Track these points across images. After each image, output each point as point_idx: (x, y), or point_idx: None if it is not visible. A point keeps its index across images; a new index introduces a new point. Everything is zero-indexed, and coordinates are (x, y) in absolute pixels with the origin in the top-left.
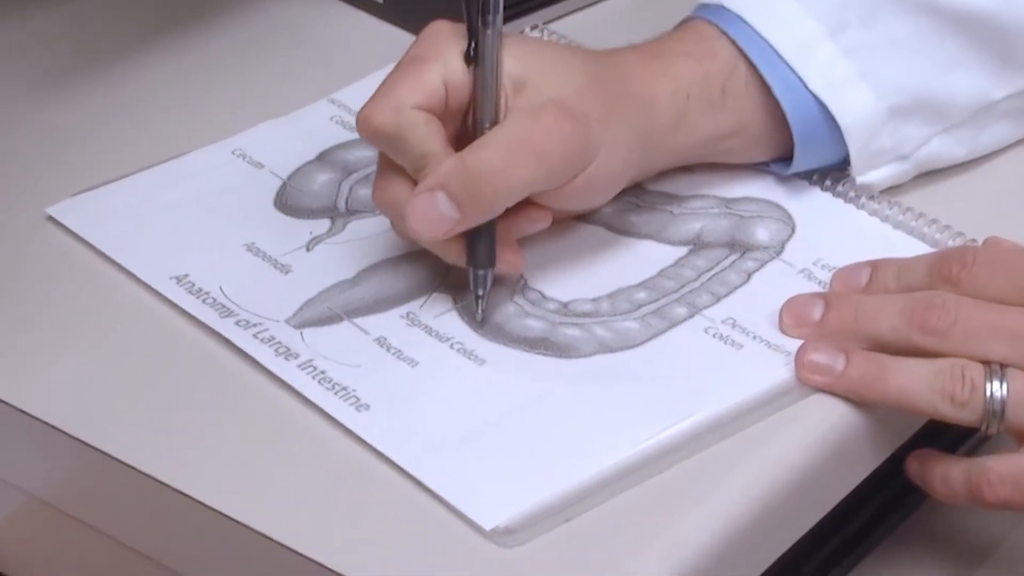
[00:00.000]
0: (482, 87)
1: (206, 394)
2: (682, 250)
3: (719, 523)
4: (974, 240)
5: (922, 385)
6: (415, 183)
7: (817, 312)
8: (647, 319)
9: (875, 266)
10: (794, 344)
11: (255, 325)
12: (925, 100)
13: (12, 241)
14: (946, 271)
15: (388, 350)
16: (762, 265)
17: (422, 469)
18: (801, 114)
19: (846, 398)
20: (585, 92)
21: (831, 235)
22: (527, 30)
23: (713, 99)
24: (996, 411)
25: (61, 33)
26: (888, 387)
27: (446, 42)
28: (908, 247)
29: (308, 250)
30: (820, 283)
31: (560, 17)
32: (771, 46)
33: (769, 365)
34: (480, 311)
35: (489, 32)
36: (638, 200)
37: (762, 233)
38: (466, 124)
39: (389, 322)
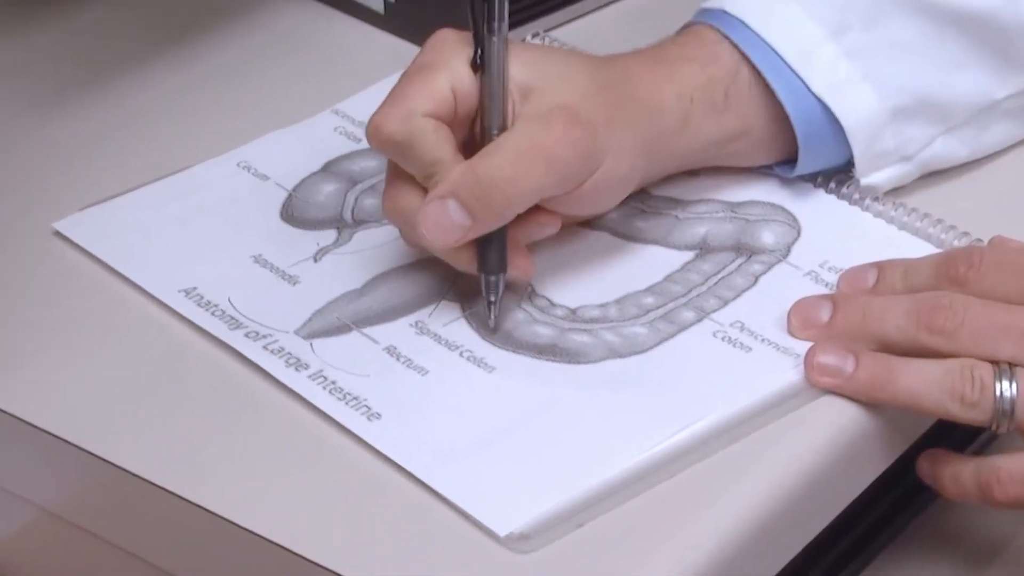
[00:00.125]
0: (489, 94)
1: (216, 405)
2: (688, 255)
3: (731, 526)
4: (979, 240)
5: (931, 386)
6: (424, 191)
7: (825, 314)
8: (655, 324)
9: (881, 267)
10: (802, 346)
11: (265, 336)
12: (928, 101)
13: (20, 256)
14: (953, 271)
15: (398, 359)
16: (768, 268)
17: (435, 477)
18: (804, 116)
19: (855, 400)
20: (592, 97)
21: (837, 237)
22: (528, 38)
23: (716, 103)
24: (1006, 410)
25: (65, 48)
26: (897, 388)
27: (453, 50)
28: (913, 248)
29: (315, 261)
30: (827, 285)
31: (561, 24)
32: (773, 49)
33: (778, 368)
34: (493, 317)
35: (495, 39)
36: (643, 205)
37: (768, 236)
38: (474, 131)
39: (398, 331)
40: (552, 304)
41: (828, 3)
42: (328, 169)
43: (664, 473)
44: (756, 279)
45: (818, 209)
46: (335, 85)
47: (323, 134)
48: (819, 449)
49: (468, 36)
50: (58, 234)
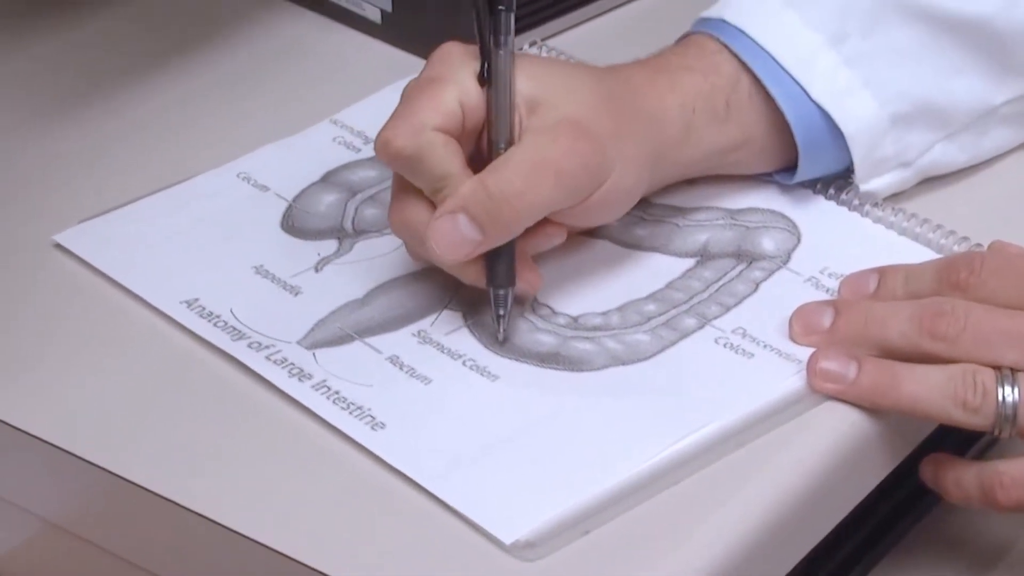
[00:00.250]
0: (496, 108)
1: (219, 416)
2: (689, 262)
3: (736, 532)
4: (979, 245)
5: (934, 391)
6: (432, 205)
7: (827, 320)
8: (657, 331)
9: (883, 273)
10: (805, 352)
11: (267, 347)
12: (927, 107)
13: (21, 268)
14: (954, 277)
15: (401, 368)
16: (769, 275)
17: (440, 485)
18: (805, 124)
19: (858, 405)
20: (598, 110)
21: (837, 243)
22: (526, 46)
23: (718, 112)
24: (1008, 416)
25: (65, 60)
26: (900, 394)
27: (459, 63)
28: (914, 253)
29: (317, 271)
30: (828, 291)
31: (558, 33)
32: (773, 58)
33: (780, 374)
34: (502, 330)
35: (502, 53)
36: (644, 213)
37: (768, 243)
38: (480, 145)
39: (401, 340)
40: (554, 312)
41: (827, 11)
42: (328, 179)
43: (668, 480)
44: (757, 285)
45: (818, 215)
46: (333, 95)
47: (322, 144)
48: (822, 454)
49: (474, 49)
50: (58, 246)
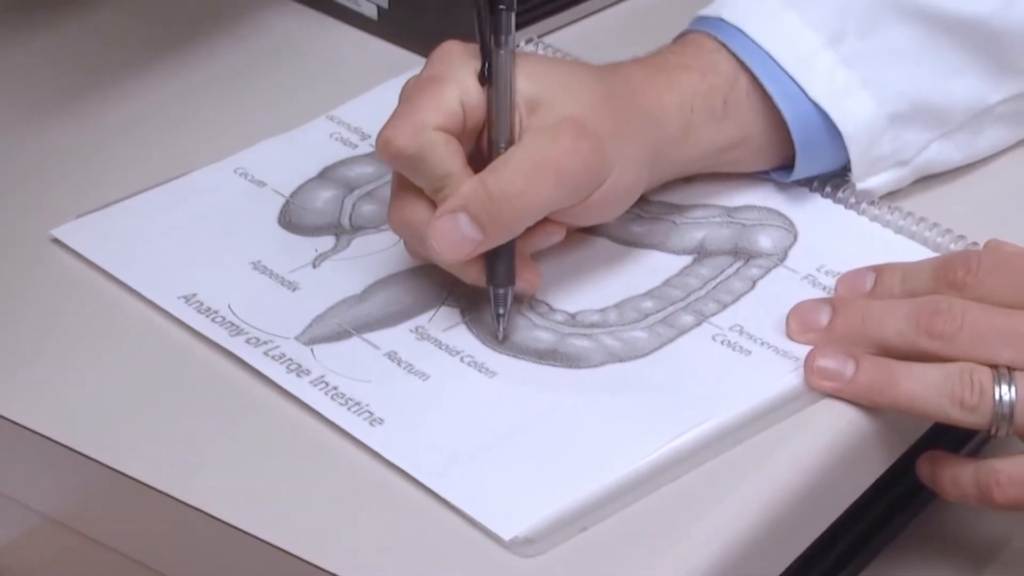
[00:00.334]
0: (497, 107)
1: (216, 411)
2: (686, 259)
3: (733, 529)
4: (975, 243)
5: (931, 390)
6: (432, 204)
7: (824, 317)
8: (655, 328)
9: (879, 271)
10: (802, 350)
11: (265, 343)
12: (924, 106)
13: (18, 263)
14: (951, 276)
15: (399, 364)
16: (766, 272)
17: (439, 482)
18: (802, 123)
19: (855, 403)
20: (598, 109)
21: (833, 241)
22: (523, 44)
23: (716, 111)
24: (1005, 414)
25: (63, 54)
26: (897, 392)
27: (460, 62)
28: (910, 251)
29: (314, 267)
30: (824, 289)
31: (555, 30)
32: (771, 57)
33: (778, 371)
34: (502, 329)
35: (502, 52)
36: (641, 211)
37: (765, 240)
38: (480, 144)
39: (398, 337)
40: (552, 309)
41: (825, 11)
42: (325, 175)
43: (666, 476)
44: (754, 283)
45: (814, 213)
46: (330, 91)
47: (319, 140)
48: (819, 452)
49: (474, 48)
50: (56, 241)
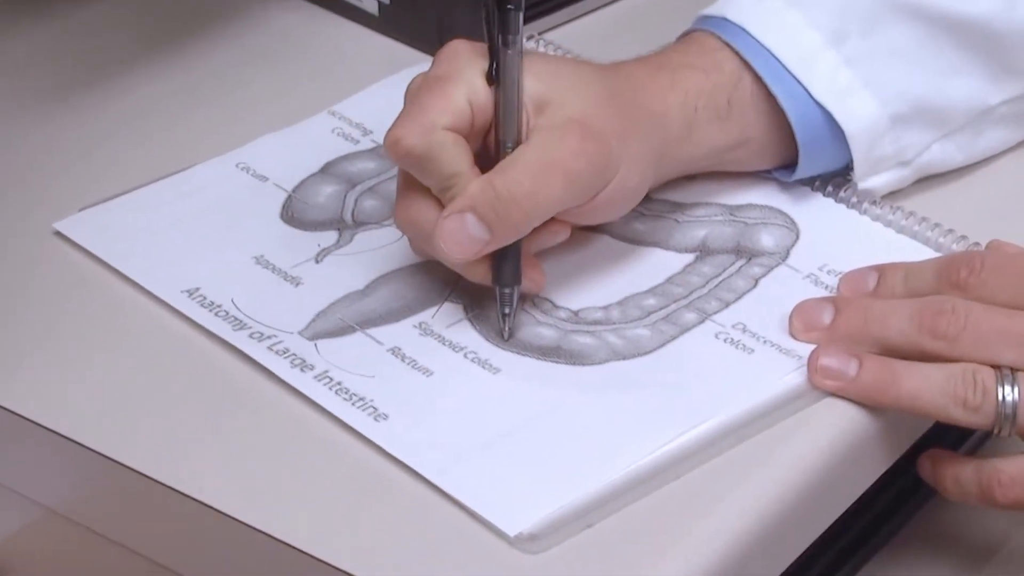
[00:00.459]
0: (505, 107)
1: (219, 405)
2: (688, 257)
3: (737, 526)
4: (977, 243)
5: (934, 390)
6: (438, 203)
7: (827, 316)
8: (658, 325)
9: (882, 271)
10: (804, 348)
11: (269, 337)
12: (926, 107)
13: (21, 257)
14: (954, 276)
15: (403, 360)
16: (768, 271)
17: (444, 478)
18: (805, 123)
19: (857, 402)
20: (604, 109)
21: (835, 240)
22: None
23: (720, 111)
24: (1008, 415)
25: (65, 48)
26: (900, 392)
27: (467, 61)
28: (912, 251)
29: (317, 262)
30: (827, 288)
31: (555, 27)
32: (775, 57)
33: (780, 369)
34: (507, 328)
35: (510, 52)
36: (643, 209)
37: (767, 239)
38: (487, 143)
39: (402, 332)
40: (555, 306)
41: (828, 11)
42: (327, 170)
43: (670, 474)
44: (756, 281)
45: (816, 212)
46: (330, 87)
47: (321, 135)
48: (823, 450)
49: (481, 47)
50: (58, 234)
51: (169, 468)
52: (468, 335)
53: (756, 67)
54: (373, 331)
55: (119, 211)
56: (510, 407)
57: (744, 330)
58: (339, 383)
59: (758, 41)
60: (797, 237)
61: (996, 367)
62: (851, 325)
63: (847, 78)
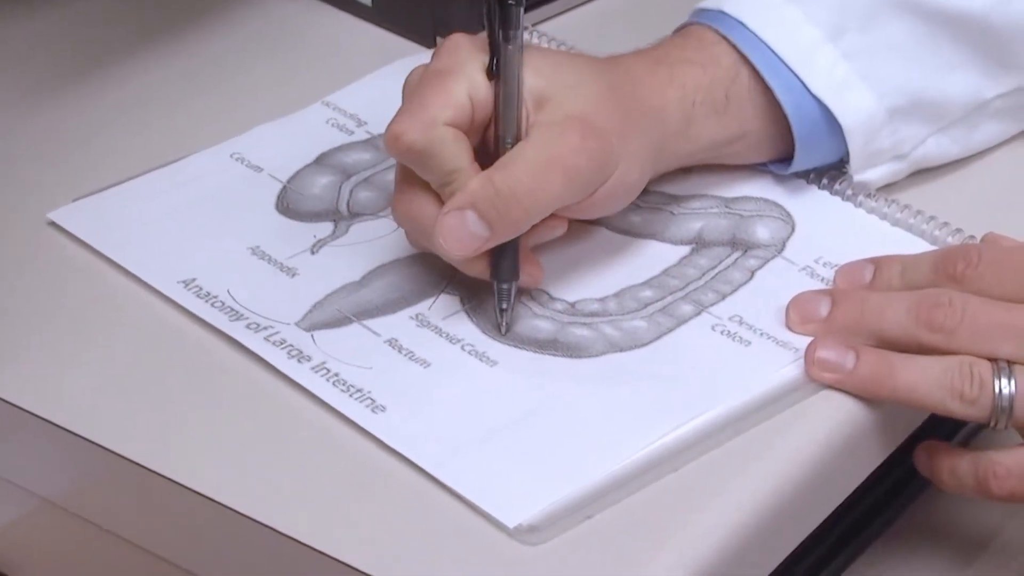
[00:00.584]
0: (504, 103)
1: (215, 395)
2: (684, 249)
3: (735, 518)
4: (972, 236)
5: (931, 383)
6: (437, 197)
7: (824, 309)
8: (654, 317)
9: (878, 263)
10: (801, 341)
11: (266, 328)
12: (923, 101)
13: (15, 247)
14: (951, 269)
15: (400, 351)
16: (764, 263)
17: (442, 470)
18: (802, 117)
19: (854, 394)
20: (603, 105)
21: (831, 233)
22: None
23: (718, 105)
24: (1005, 408)
25: (58, 38)
26: (897, 384)
27: (467, 56)
28: (907, 244)
29: (313, 253)
30: (823, 280)
31: (549, 19)
32: (773, 51)
33: (777, 362)
34: (505, 324)
35: (511, 48)
36: (639, 201)
37: (762, 231)
38: (486, 138)
39: (399, 324)
40: (551, 298)
41: (826, 5)
42: (321, 161)
43: (668, 466)
44: (752, 274)
45: (811, 205)
46: (324, 78)
47: (315, 126)
48: (820, 442)
49: (481, 41)
50: (53, 224)
51: (167, 459)
52: (465, 327)
53: (754, 61)
54: (370, 322)
55: (114, 201)
56: (508, 400)
57: (741, 322)
58: (336, 374)
59: (756, 35)
60: (793, 229)
61: (993, 360)
62: (848, 317)
63: (844, 72)
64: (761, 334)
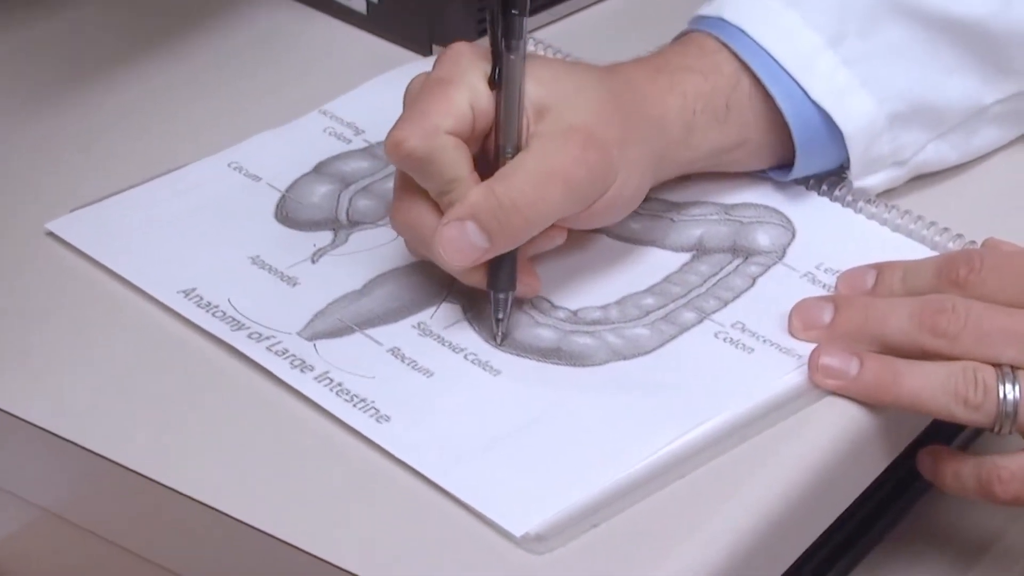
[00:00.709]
0: (506, 112)
1: (216, 404)
2: (685, 256)
3: (742, 525)
4: (973, 242)
5: (935, 388)
6: (435, 206)
7: (827, 315)
8: (657, 325)
9: (880, 269)
10: (804, 347)
11: (268, 338)
12: (922, 106)
13: (13, 258)
14: (953, 274)
15: (403, 361)
16: (766, 270)
17: (449, 479)
18: (803, 123)
19: (857, 400)
20: (604, 116)
21: (831, 239)
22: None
23: (718, 113)
24: (1009, 413)
25: (54, 47)
26: (901, 390)
27: (469, 65)
28: (907, 249)
29: (313, 262)
30: (824, 286)
31: (544, 26)
32: (773, 58)
33: (781, 368)
34: (500, 334)
35: (513, 57)
36: (639, 208)
37: (763, 238)
38: (486, 147)
39: (401, 332)
40: (553, 306)
41: (826, 12)
42: (320, 170)
43: (674, 474)
44: (754, 280)
45: (811, 211)
46: (319, 86)
47: (313, 135)
48: (823, 449)
49: (483, 50)
50: (51, 234)
51: (169, 469)
52: (467, 336)
53: (754, 68)
54: (372, 331)
55: (112, 211)
56: (512, 408)
57: (743, 329)
58: (339, 384)
59: (756, 42)
60: (793, 236)
61: (997, 365)
62: (851, 324)
63: (845, 78)
64: (764, 341)
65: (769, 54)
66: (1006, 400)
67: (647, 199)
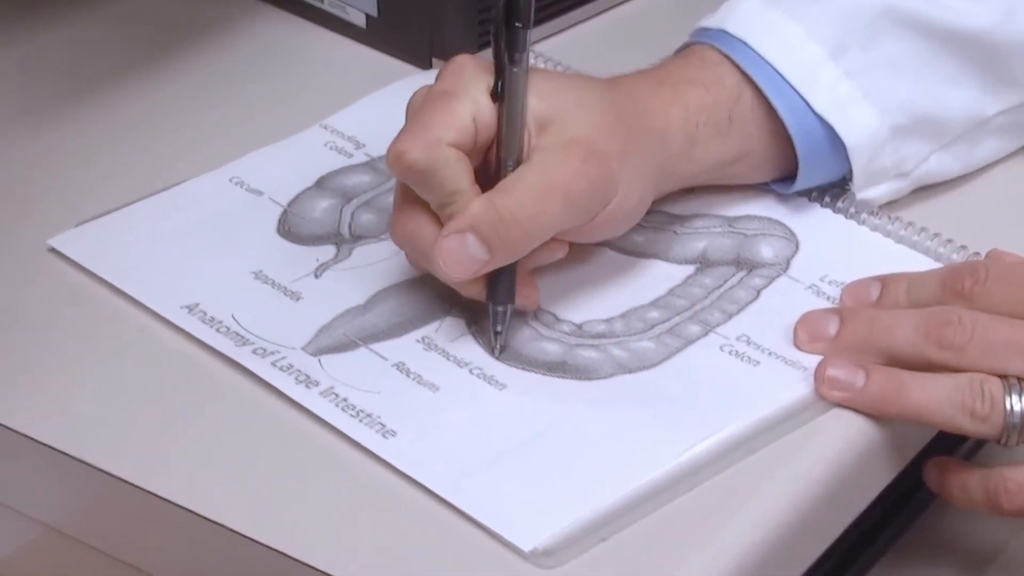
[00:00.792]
0: (508, 125)
1: (220, 419)
2: (689, 269)
3: (750, 538)
4: (976, 253)
5: (942, 400)
6: (436, 218)
7: (832, 327)
8: (662, 338)
9: (885, 281)
10: (810, 359)
11: (272, 353)
12: (925, 118)
13: (16, 274)
14: (958, 286)
15: (408, 375)
16: (770, 282)
17: (456, 493)
18: (805, 135)
19: (864, 412)
20: (606, 129)
21: (835, 251)
22: None
23: (721, 126)
24: (1016, 424)
25: (53, 62)
26: (908, 402)
27: (472, 77)
28: (911, 261)
29: (316, 277)
30: (828, 299)
31: (545, 38)
32: (776, 70)
33: (787, 381)
34: (498, 347)
35: (516, 71)
36: (642, 221)
37: (766, 250)
38: (487, 160)
39: (406, 347)
40: (558, 319)
41: (828, 23)
42: (321, 185)
43: (681, 487)
44: (758, 293)
45: (815, 223)
46: (320, 100)
47: (314, 149)
48: (830, 461)
49: (485, 63)
50: (53, 250)
51: (173, 484)
52: (472, 350)
53: (757, 80)
54: (376, 346)
55: (114, 226)
56: (518, 423)
57: (748, 342)
58: (345, 399)
59: (759, 54)
60: (797, 248)
61: (1003, 377)
62: (857, 336)
63: (848, 90)
64: (769, 353)
65: (772, 66)
66: (1013, 412)
67: (650, 212)
